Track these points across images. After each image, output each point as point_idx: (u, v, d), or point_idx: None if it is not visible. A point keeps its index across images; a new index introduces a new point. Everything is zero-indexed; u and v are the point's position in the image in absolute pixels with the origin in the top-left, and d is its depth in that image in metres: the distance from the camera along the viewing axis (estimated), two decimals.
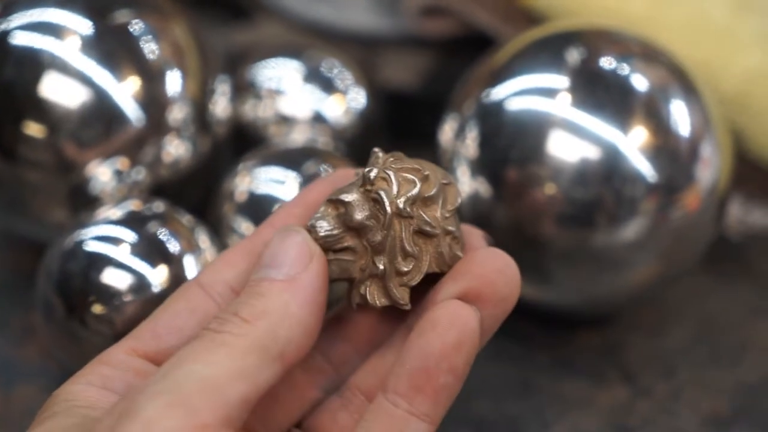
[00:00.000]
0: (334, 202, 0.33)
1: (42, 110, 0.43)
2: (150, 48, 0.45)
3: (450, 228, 0.34)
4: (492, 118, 0.43)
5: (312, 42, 0.55)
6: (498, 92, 0.44)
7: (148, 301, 0.40)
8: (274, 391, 0.32)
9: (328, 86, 0.51)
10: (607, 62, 0.43)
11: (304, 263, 0.32)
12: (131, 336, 0.34)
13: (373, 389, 0.35)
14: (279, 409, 0.35)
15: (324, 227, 0.33)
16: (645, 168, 0.42)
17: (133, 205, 0.42)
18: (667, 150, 0.42)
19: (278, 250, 0.32)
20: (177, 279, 0.40)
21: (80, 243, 0.40)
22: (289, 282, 0.32)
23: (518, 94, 0.43)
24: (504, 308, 0.33)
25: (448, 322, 0.32)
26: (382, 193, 0.33)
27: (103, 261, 0.40)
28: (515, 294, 0.34)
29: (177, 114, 0.45)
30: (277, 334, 0.30)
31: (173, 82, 0.45)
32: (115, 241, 0.40)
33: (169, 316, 0.34)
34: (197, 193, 0.48)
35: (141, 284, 0.40)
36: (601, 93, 0.42)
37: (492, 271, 0.33)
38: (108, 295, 0.40)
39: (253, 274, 0.32)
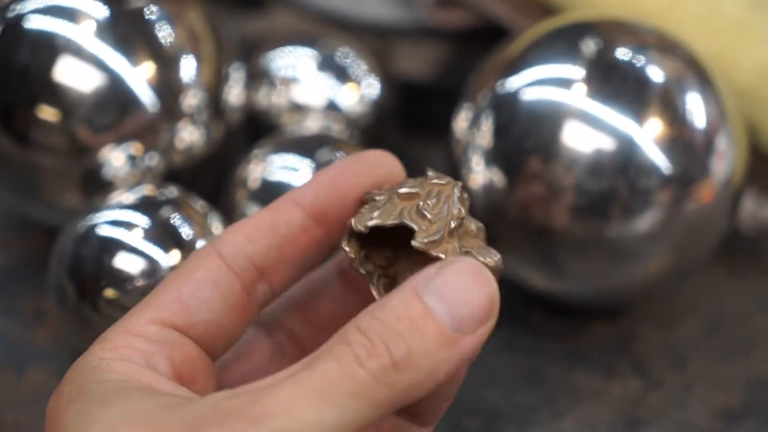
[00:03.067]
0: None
1: (56, 94, 0.43)
2: (165, 33, 0.45)
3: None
4: (506, 109, 0.43)
5: (326, 31, 0.55)
6: (513, 83, 0.44)
7: None
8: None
9: (342, 75, 0.51)
10: (622, 53, 0.43)
11: (479, 323, 0.28)
12: (153, 305, 0.32)
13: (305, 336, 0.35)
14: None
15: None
16: (660, 160, 0.42)
17: (147, 190, 0.42)
18: (682, 142, 0.42)
19: (462, 288, 0.28)
20: None
21: (93, 227, 0.40)
22: (454, 342, 0.28)
23: (533, 84, 0.43)
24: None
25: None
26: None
27: (116, 245, 0.40)
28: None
29: (191, 100, 0.45)
30: (412, 394, 0.28)
31: (188, 67, 0.45)
32: (127, 225, 0.40)
33: (193, 287, 0.32)
34: (210, 180, 0.48)
35: (153, 269, 0.40)
36: (616, 84, 0.42)
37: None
38: (120, 279, 0.39)
39: (421, 287, 0.28)
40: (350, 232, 0.32)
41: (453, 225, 0.32)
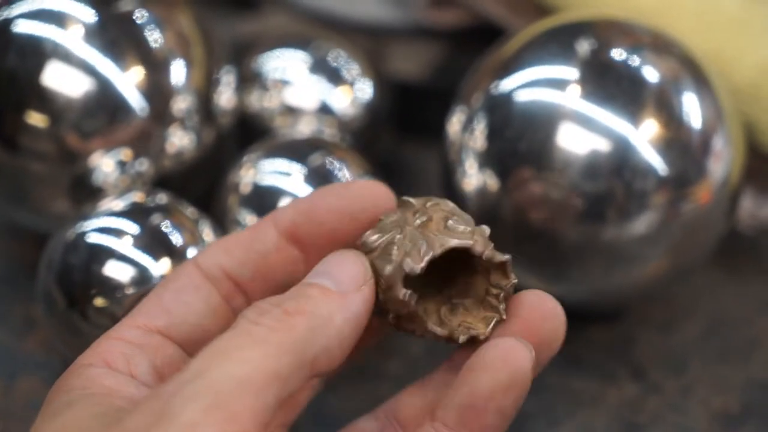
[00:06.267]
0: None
1: (44, 100, 0.43)
2: (154, 37, 0.45)
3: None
4: (501, 110, 0.43)
5: (319, 32, 0.54)
6: (507, 84, 0.43)
7: None
8: None
9: (334, 77, 0.51)
10: (617, 53, 0.42)
11: (357, 283, 0.32)
12: (137, 313, 0.33)
13: (410, 421, 0.34)
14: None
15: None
16: (656, 161, 0.41)
17: (136, 196, 0.42)
18: (679, 143, 0.42)
19: (336, 265, 0.32)
20: None
21: (82, 235, 0.40)
22: (339, 295, 0.31)
23: (527, 85, 0.43)
24: (549, 353, 0.33)
25: (501, 361, 0.31)
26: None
27: (106, 253, 0.39)
28: (561, 338, 0.34)
29: (181, 104, 0.45)
30: (315, 338, 0.30)
31: (178, 72, 0.45)
32: (117, 233, 0.40)
33: (174, 292, 0.34)
34: (201, 185, 0.48)
35: (143, 277, 0.39)
36: (611, 85, 0.42)
37: (540, 316, 0.33)
38: (110, 287, 0.39)
39: (306, 278, 0.32)
40: (404, 277, 0.32)
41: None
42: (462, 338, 0.33)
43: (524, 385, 0.31)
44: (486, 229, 0.33)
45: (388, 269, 0.32)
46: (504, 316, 0.33)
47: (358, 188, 0.35)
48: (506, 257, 0.33)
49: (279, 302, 0.30)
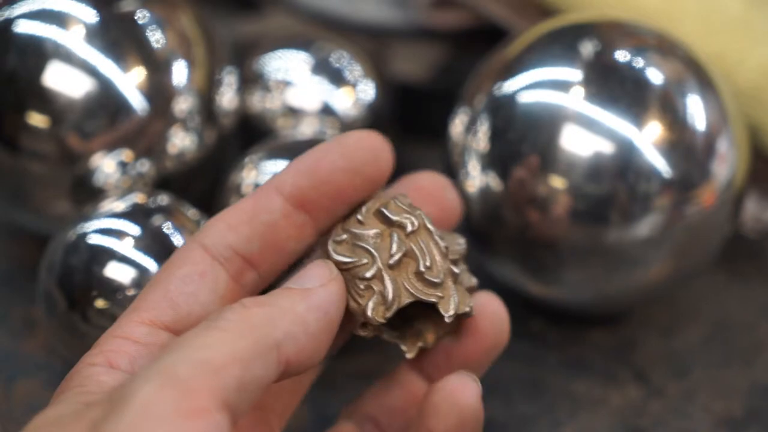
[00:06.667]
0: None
1: (45, 100, 0.43)
2: (156, 38, 0.44)
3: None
4: (503, 112, 0.43)
5: (321, 33, 0.54)
6: (510, 85, 0.43)
7: None
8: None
9: (337, 78, 0.51)
10: (621, 55, 0.42)
11: (322, 280, 0.32)
12: (142, 306, 0.32)
13: (382, 421, 0.36)
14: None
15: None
16: (659, 163, 0.41)
17: (138, 197, 0.41)
18: (683, 145, 0.41)
19: (302, 273, 0.33)
20: None
21: (83, 236, 0.40)
22: (302, 290, 0.31)
23: (530, 87, 0.43)
24: (496, 354, 0.36)
25: (448, 405, 0.32)
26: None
27: (106, 254, 0.39)
28: (506, 339, 0.36)
29: (183, 105, 0.45)
30: (275, 324, 0.30)
31: (179, 72, 0.45)
32: (118, 234, 0.40)
33: (179, 282, 0.33)
34: (203, 186, 0.47)
35: (145, 279, 0.39)
36: (615, 86, 0.41)
37: (491, 320, 0.35)
38: (111, 289, 0.39)
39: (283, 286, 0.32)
40: (363, 322, 0.33)
41: (448, 267, 0.34)
42: (409, 354, 0.35)
43: (476, 419, 0.33)
44: (459, 271, 0.34)
45: (352, 305, 0.33)
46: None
47: (356, 141, 0.34)
48: (468, 310, 0.34)
49: (241, 302, 0.30)
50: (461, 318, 0.34)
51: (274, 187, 0.34)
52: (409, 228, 0.33)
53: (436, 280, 0.33)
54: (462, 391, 0.32)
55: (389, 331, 0.35)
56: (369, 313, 0.32)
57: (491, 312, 0.35)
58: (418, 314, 0.35)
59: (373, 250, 0.33)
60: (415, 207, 0.34)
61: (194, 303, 0.33)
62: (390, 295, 0.32)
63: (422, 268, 0.33)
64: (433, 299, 0.33)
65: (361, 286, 0.33)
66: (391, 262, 0.33)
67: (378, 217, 0.34)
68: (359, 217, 0.34)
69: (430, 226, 0.34)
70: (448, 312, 0.33)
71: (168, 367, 0.27)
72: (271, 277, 0.34)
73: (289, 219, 0.34)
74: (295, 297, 0.31)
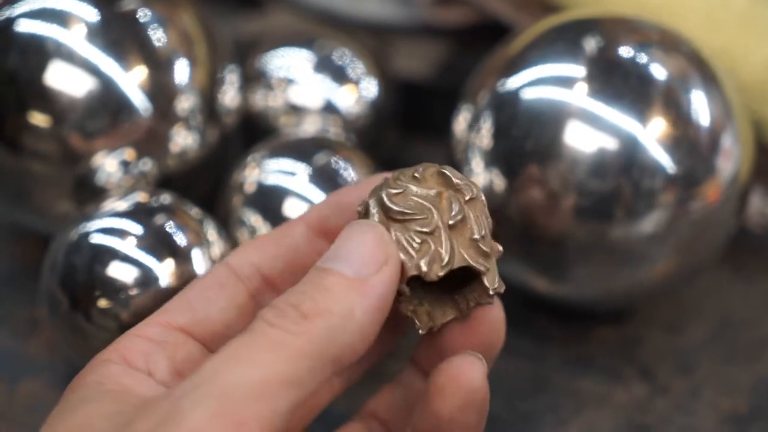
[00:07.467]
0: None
1: (47, 100, 0.42)
2: (157, 36, 0.44)
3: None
4: (507, 109, 0.43)
5: (323, 31, 0.54)
6: (513, 82, 0.43)
7: (154, 295, 0.39)
8: None
9: (339, 76, 0.50)
10: (625, 51, 0.42)
11: (377, 264, 0.30)
12: (162, 311, 0.33)
13: (390, 421, 0.36)
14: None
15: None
16: (664, 159, 0.41)
17: (140, 197, 0.41)
18: (687, 141, 0.41)
19: (352, 243, 0.31)
20: (184, 273, 0.39)
21: (85, 235, 0.40)
22: (359, 283, 0.30)
23: (534, 83, 0.42)
24: (491, 356, 0.35)
25: (454, 384, 0.31)
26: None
27: (109, 254, 0.39)
28: (502, 339, 0.35)
29: (185, 104, 0.45)
30: (335, 339, 0.29)
31: (181, 71, 0.45)
32: (121, 233, 0.39)
33: (199, 290, 0.34)
34: (205, 185, 0.47)
35: (147, 278, 0.39)
36: (619, 82, 0.41)
37: (485, 316, 0.34)
38: (113, 288, 0.39)
39: (320, 261, 0.31)
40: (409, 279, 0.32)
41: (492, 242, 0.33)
42: (422, 330, 0.34)
43: (483, 399, 0.32)
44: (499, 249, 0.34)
45: (402, 258, 0.31)
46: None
47: (374, 182, 0.35)
48: (502, 290, 0.33)
49: (296, 302, 0.29)
50: (494, 295, 0.33)
51: (301, 217, 0.35)
52: (468, 195, 0.33)
53: (487, 250, 0.32)
54: (468, 370, 0.31)
55: (409, 301, 0.33)
56: (423, 267, 0.31)
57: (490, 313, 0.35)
58: (432, 290, 0.34)
59: (432, 208, 0.32)
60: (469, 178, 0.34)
61: (211, 308, 0.33)
62: (446, 255, 0.32)
63: (477, 236, 0.32)
64: (482, 269, 0.32)
65: (417, 240, 0.32)
66: (451, 222, 0.32)
67: (438, 178, 0.33)
68: (416, 174, 0.33)
69: (483, 198, 0.34)
70: (494, 285, 0.32)
71: (221, 391, 0.27)
72: None
73: (311, 245, 0.35)
74: (351, 296, 0.30)
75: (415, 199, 0.33)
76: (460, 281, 0.33)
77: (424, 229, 0.32)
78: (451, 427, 0.32)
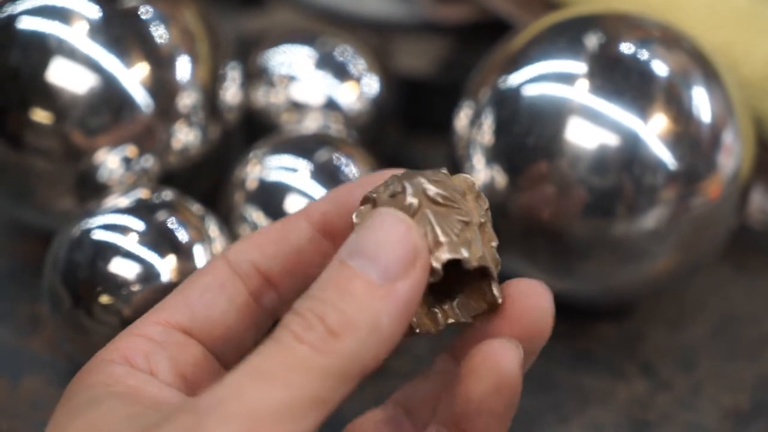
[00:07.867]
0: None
1: (49, 96, 0.42)
2: (159, 33, 0.44)
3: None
4: (508, 105, 0.42)
5: (325, 28, 0.54)
6: (515, 79, 0.43)
7: (156, 292, 0.39)
8: None
9: (341, 72, 0.50)
10: (626, 47, 0.42)
11: (405, 264, 0.29)
12: (160, 307, 0.33)
13: (417, 410, 0.34)
14: None
15: None
16: (665, 156, 0.41)
17: (142, 193, 0.41)
18: (688, 137, 0.41)
19: (379, 235, 0.29)
20: (186, 269, 0.39)
21: (87, 232, 0.40)
22: (385, 290, 0.28)
23: (535, 80, 0.42)
24: (540, 343, 0.32)
25: (488, 367, 0.30)
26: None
27: (111, 250, 0.39)
28: (547, 331, 0.32)
29: (187, 100, 0.45)
30: (362, 354, 0.28)
31: (183, 68, 0.45)
32: (123, 230, 0.39)
33: (199, 289, 0.33)
34: (207, 182, 0.47)
35: (149, 274, 0.39)
36: (620, 79, 0.41)
37: (529, 307, 0.32)
38: (115, 285, 0.39)
39: (343, 253, 0.29)
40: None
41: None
42: (418, 329, 0.32)
43: (514, 387, 0.31)
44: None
45: (443, 239, 0.30)
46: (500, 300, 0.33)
47: (374, 178, 0.34)
48: (500, 301, 0.32)
49: (322, 313, 0.28)
50: (473, 317, 0.33)
51: (304, 213, 0.34)
52: (486, 205, 0.33)
53: (498, 259, 0.32)
54: (503, 355, 0.30)
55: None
56: (465, 253, 0.30)
57: (532, 294, 0.32)
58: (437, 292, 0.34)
59: (467, 204, 0.32)
60: None
61: (211, 309, 0.33)
62: (479, 249, 0.31)
63: (494, 244, 0.32)
64: (495, 276, 0.32)
65: (458, 226, 0.31)
66: (482, 221, 0.32)
67: (461, 180, 0.33)
68: (444, 170, 0.32)
69: (489, 212, 0.33)
70: (500, 294, 0.32)
71: (248, 410, 0.26)
72: (291, 300, 0.33)
73: (314, 245, 0.34)
74: (378, 304, 0.28)
75: (454, 193, 0.32)
76: (445, 290, 0.33)
77: (465, 219, 0.31)
78: (479, 413, 0.31)
